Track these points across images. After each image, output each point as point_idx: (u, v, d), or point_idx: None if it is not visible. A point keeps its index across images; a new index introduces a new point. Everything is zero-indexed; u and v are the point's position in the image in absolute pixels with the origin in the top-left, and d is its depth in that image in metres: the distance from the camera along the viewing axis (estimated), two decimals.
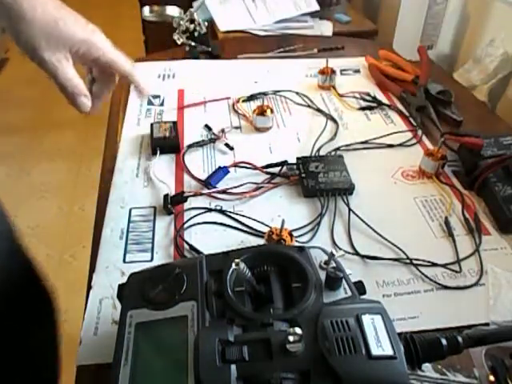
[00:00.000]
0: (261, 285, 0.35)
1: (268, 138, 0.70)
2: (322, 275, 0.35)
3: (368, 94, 0.80)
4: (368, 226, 0.54)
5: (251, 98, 0.78)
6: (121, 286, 0.37)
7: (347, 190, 0.58)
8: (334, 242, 0.52)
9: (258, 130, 0.71)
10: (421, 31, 0.91)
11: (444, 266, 0.49)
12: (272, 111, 0.71)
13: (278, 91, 0.80)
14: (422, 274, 0.48)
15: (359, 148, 0.67)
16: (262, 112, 0.70)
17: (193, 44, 0.91)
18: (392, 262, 0.50)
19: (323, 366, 0.27)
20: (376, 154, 0.67)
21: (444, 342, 0.31)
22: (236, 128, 0.71)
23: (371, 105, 0.78)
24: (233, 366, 0.27)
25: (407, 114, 0.75)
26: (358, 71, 0.89)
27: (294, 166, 0.61)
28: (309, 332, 0.29)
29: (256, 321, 0.31)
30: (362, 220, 0.54)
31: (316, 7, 1.14)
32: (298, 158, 0.62)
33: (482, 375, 0.39)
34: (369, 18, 1.26)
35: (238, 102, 0.77)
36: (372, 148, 0.68)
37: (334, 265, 0.35)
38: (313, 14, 1.15)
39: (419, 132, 0.71)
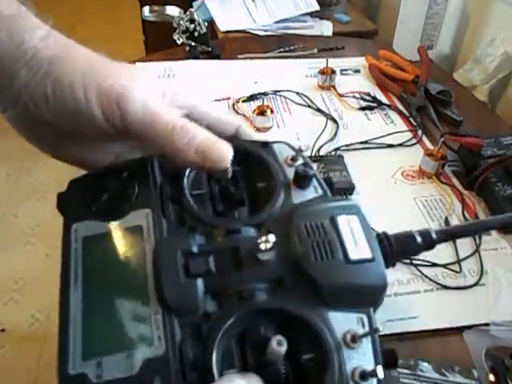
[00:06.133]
0: (224, 187, 0.32)
1: (268, 138, 0.69)
2: (290, 173, 0.31)
3: (368, 94, 0.80)
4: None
5: (251, 98, 0.78)
6: (60, 196, 0.31)
7: (347, 190, 0.58)
8: None
9: (258, 130, 0.71)
10: (421, 31, 0.91)
11: (444, 266, 0.49)
12: (272, 111, 0.71)
13: (278, 91, 0.80)
14: (422, 274, 0.48)
15: (359, 148, 0.67)
16: (261, 112, 0.70)
17: (193, 44, 0.91)
18: None
19: (298, 273, 0.25)
20: (376, 153, 0.67)
21: (418, 238, 0.29)
22: None
23: (371, 105, 0.78)
24: (199, 280, 0.25)
25: (407, 114, 0.75)
26: (358, 71, 0.89)
27: None
28: (280, 237, 0.26)
29: (221, 227, 0.27)
30: None
31: (316, 7, 1.14)
32: None
33: (482, 375, 0.39)
34: (369, 18, 1.26)
35: (238, 102, 0.77)
36: (372, 148, 0.67)
37: (302, 161, 0.32)
38: (313, 14, 1.15)
39: (419, 132, 0.71)
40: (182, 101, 0.30)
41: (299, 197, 0.30)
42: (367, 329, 0.24)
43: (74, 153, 0.31)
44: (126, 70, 0.29)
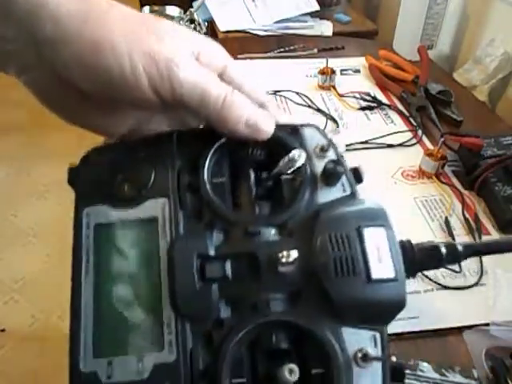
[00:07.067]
0: (246, 177, 0.29)
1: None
2: (318, 166, 0.28)
3: (368, 94, 0.80)
4: None
5: None
6: (72, 170, 0.29)
7: None
8: None
9: None
10: (421, 31, 0.91)
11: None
12: None
13: (278, 91, 0.80)
14: (422, 273, 0.48)
15: (359, 148, 0.67)
16: None
17: None
18: None
19: (316, 287, 0.24)
20: (376, 153, 0.67)
21: (443, 250, 0.27)
22: None
23: (371, 105, 0.78)
24: (214, 286, 0.24)
25: (407, 114, 0.75)
26: (358, 71, 0.89)
27: None
28: (301, 244, 0.24)
29: (240, 226, 0.25)
30: None
31: (316, 7, 1.14)
32: None
33: (482, 375, 0.39)
34: (369, 18, 1.26)
35: None
36: (372, 148, 0.67)
37: (333, 153, 0.29)
38: (313, 14, 1.15)
39: (419, 132, 0.71)
40: (214, 62, 0.28)
41: (325, 195, 0.27)
42: (379, 347, 0.24)
43: (100, 120, 0.29)
44: (166, 32, 0.26)
